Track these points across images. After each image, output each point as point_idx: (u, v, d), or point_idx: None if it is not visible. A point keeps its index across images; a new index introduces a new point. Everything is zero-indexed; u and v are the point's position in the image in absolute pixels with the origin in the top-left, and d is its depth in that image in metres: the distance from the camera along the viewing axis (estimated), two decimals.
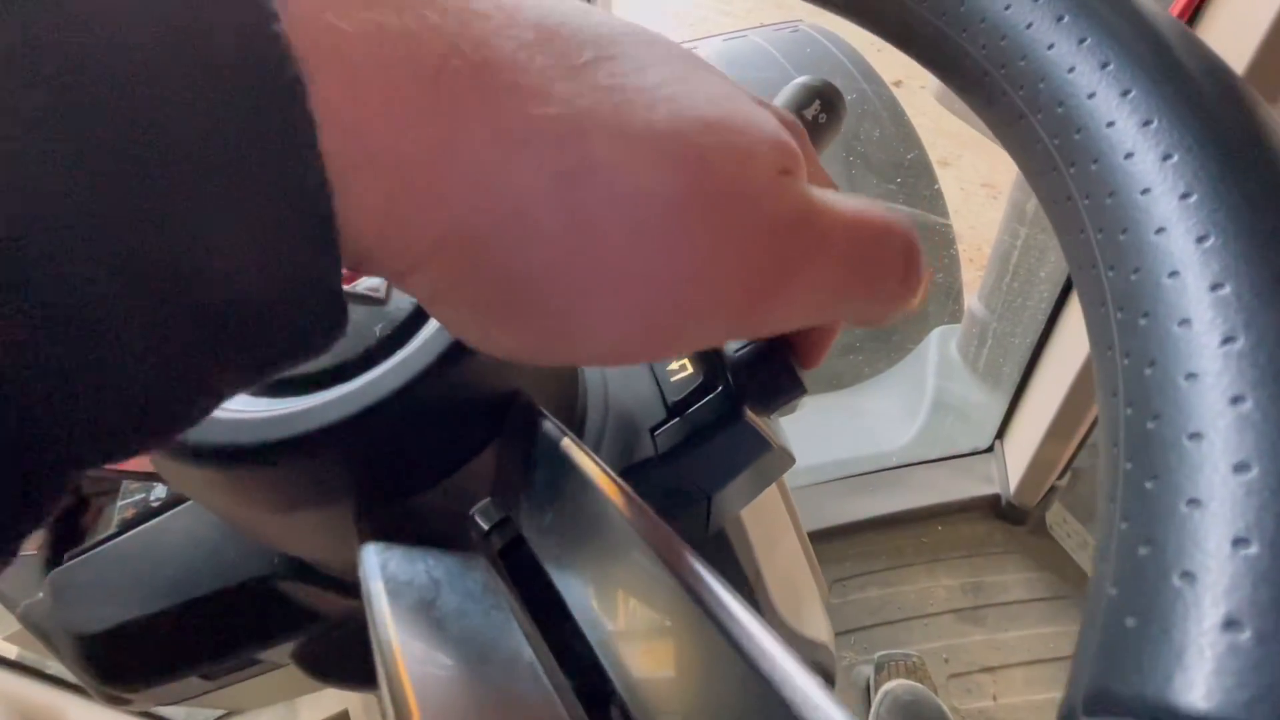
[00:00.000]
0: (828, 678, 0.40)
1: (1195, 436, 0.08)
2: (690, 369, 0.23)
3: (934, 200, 1.58)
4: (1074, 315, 0.87)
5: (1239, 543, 0.07)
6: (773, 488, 0.48)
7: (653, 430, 0.22)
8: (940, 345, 1.46)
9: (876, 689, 0.88)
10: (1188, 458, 0.08)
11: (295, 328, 0.10)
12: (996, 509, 1.09)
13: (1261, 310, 0.09)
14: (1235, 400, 0.08)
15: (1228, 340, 0.09)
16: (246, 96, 0.08)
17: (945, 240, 1.58)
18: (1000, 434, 1.12)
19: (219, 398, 0.10)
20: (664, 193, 0.11)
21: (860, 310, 0.15)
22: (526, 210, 0.10)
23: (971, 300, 1.36)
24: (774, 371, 0.23)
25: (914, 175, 1.53)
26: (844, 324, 0.19)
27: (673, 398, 0.22)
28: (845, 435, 1.29)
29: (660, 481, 0.22)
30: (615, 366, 0.25)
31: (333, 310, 0.10)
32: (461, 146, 0.09)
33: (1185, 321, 0.09)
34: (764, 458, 0.23)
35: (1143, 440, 0.09)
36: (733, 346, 0.24)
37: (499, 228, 0.10)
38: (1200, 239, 0.10)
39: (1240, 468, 0.08)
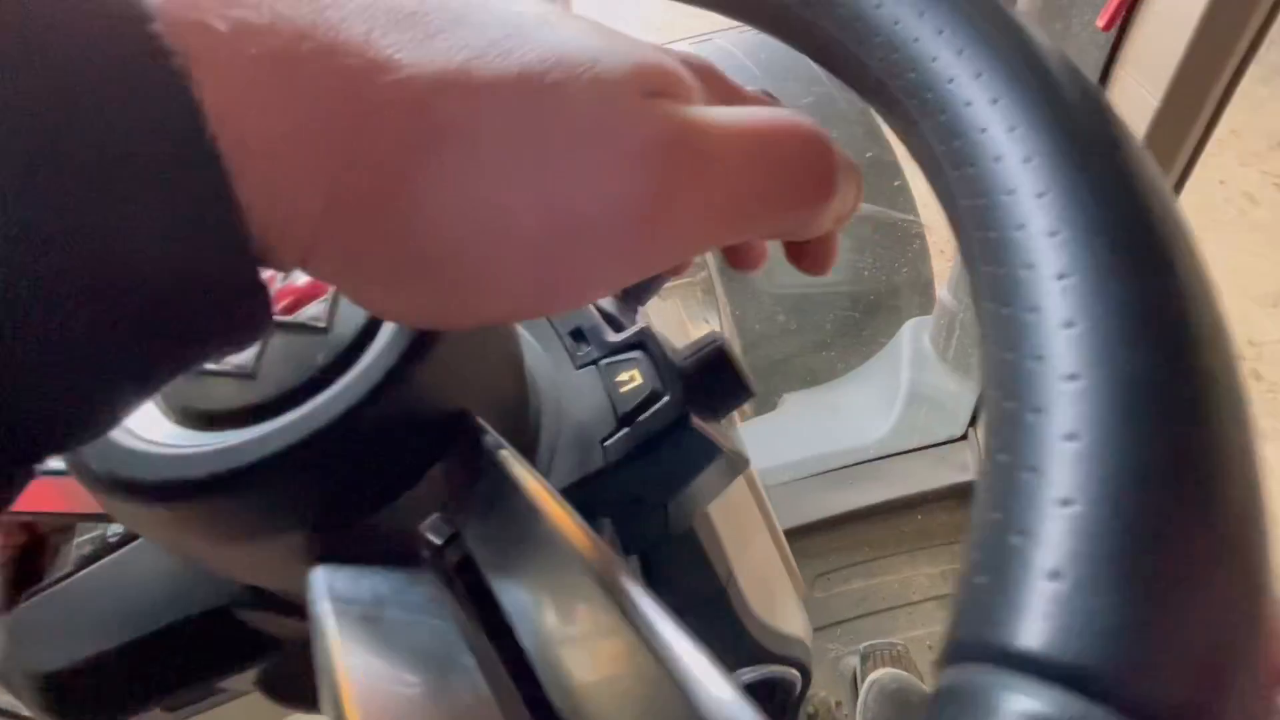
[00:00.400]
0: (804, 673, 0.41)
1: (1036, 410, 0.09)
2: (639, 379, 0.24)
3: (897, 195, 1.61)
4: None
5: (1065, 503, 0.08)
6: (744, 486, 0.49)
7: (602, 441, 0.22)
8: (913, 337, 1.49)
9: (863, 679, 0.89)
10: (1030, 431, 0.09)
11: (217, 312, 0.10)
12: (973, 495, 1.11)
13: (1096, 299, 0.09)
14: (1070, 377, 0.09)
15: (1068, 325, 0.09)
16: (137, 95, 0.08)
17: (911, 235, 1.61)
18: (973, 421, 1.14)
19: (148, 383, 0.10)
20: (519, 137, 0.11)
21: (785, 221, 0.15)
22: (395, 176, 0.11)
23: (941, 291, 1.39)
24: (720, 378, 0.24)
25: (877, 173, 1.56)
26: (780, 236, 0.18)
27: (622, 408, 0.23)
28: (823, 431, 1.31)
29: (615, 490, 0.23)
30: (525, 319, 0.25)
31: (252, 293, 0.11)
32: (321, 124, 0.10)
33: (1034, 309, 0.10)
34: (715, 462, 0.24)
35: (1000, 420, 0.10)
36: (681, 355, 0.25)
37: (374, 197, 0.11)
38: (1051, 234, 0.10)
39: (1069, 437, 0.08)
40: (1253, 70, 0.63)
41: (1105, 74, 0.68)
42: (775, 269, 1.62)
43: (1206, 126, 0.64)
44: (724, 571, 0.40)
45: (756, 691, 0.38)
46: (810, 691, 0.83)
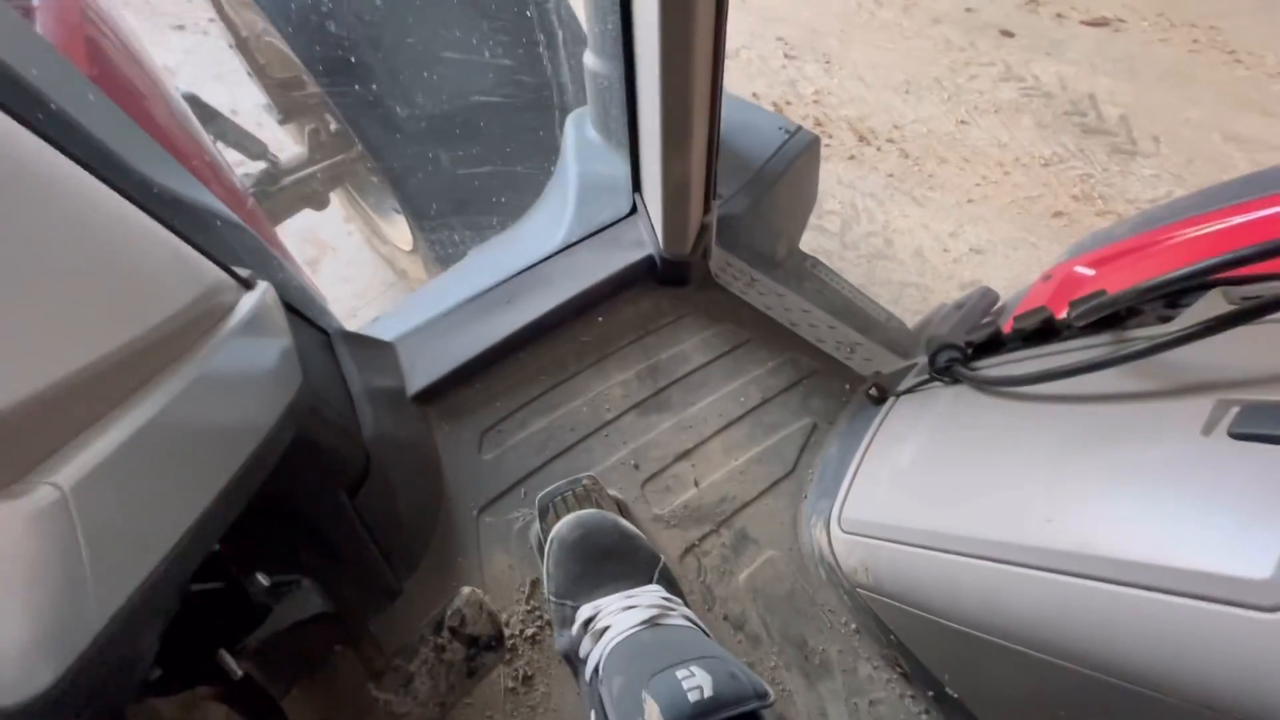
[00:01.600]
0: None
1: None
2: None
3: None
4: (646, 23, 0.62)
5: None
6: None
7: None
8: (576, 130, 1.21)
9: (547, 540, 0.61)
10: None
11: None
12: (655, 274, 0.88)
13: None
14: None
15: None
16: None
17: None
18: (636, 186, 0.89)
19: None
20: None
21: None
22: None
23: (585, 57, 1.11)
24: None
25: None
26: None
27: None
28: (500, 263, 0.96)
29: None
30: None
31: None
32: None
33: None
34: None
35: None
36: None
37: None
38: None
39: None
40: None
41: None
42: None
43: None
44: None
45: None
46: (470, 593, 0.52)
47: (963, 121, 2.31)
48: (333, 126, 1.74)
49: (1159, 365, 0.46)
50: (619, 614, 0.52)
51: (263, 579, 0.42)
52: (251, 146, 1.60)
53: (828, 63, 2.59)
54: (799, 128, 1.10)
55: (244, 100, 2.28)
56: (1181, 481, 0.39)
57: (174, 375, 0.34)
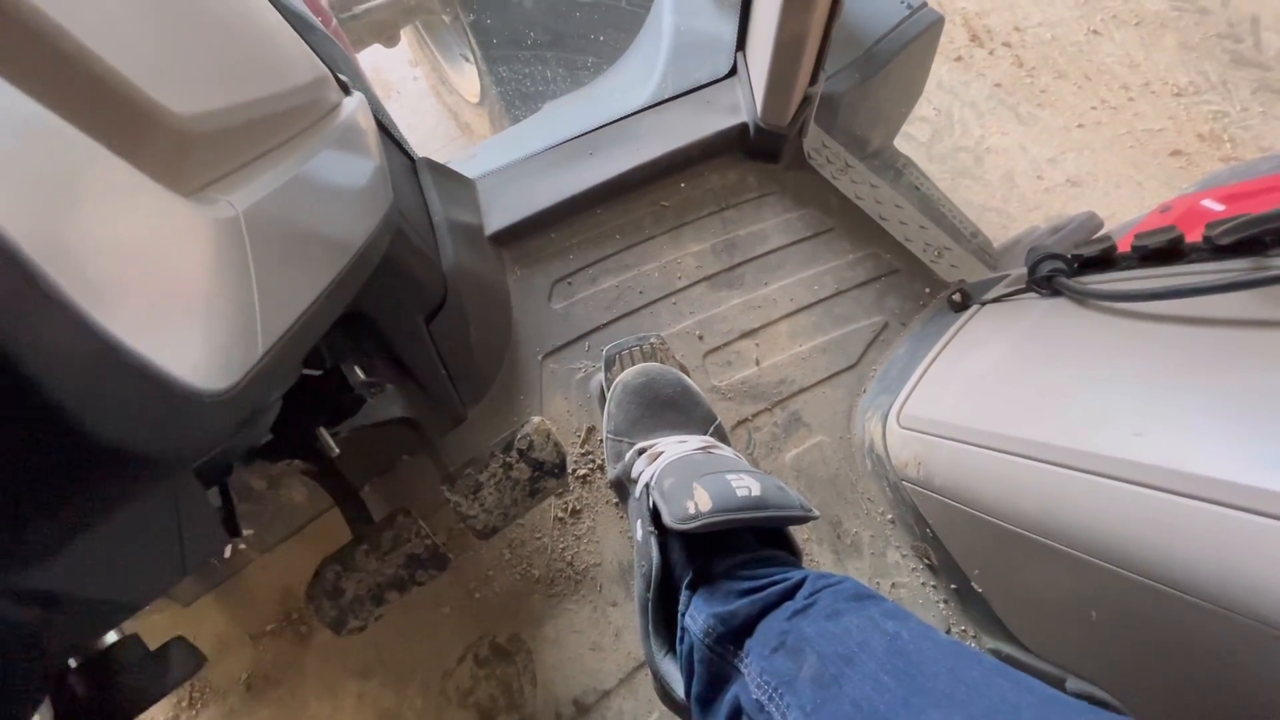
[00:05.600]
0: None
1: None
2: None
3: None
4: None
5: None
6: None
7: None
8: None
9: (609, 388, 0.63)
10: None
11: None
12: (746, 144, 0.83)
13: None
14: None
15: None
16: None
17: None
18: (740, 45, 0.82)
19: None
20: None
21: None
22: None
23: None
24: None
25: None
26: None
27: None
28: (577, 120, 0.92)
29: None
30: None
31: None
32: None
33: None
34: None
35: None
36: None
37: None
38: None
39: None
40: None
41: None
42: None
43: None
44: None
45: None
46: (540, 422, 0.54)
47: (1095, 31, 2.04)
48: None
49: None
50: (674, 444, 0.54)
51: (359, 372, 0.44)
52: None
53: None
54: (924, 3, 0.99)
55: None
56: None
57: (304, 145, 0.33)
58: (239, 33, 0.30)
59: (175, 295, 0.17)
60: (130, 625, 0.39)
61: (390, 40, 1.72)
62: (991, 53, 2.02)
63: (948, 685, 0.32)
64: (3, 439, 0.14)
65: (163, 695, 0.27)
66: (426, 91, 2.10)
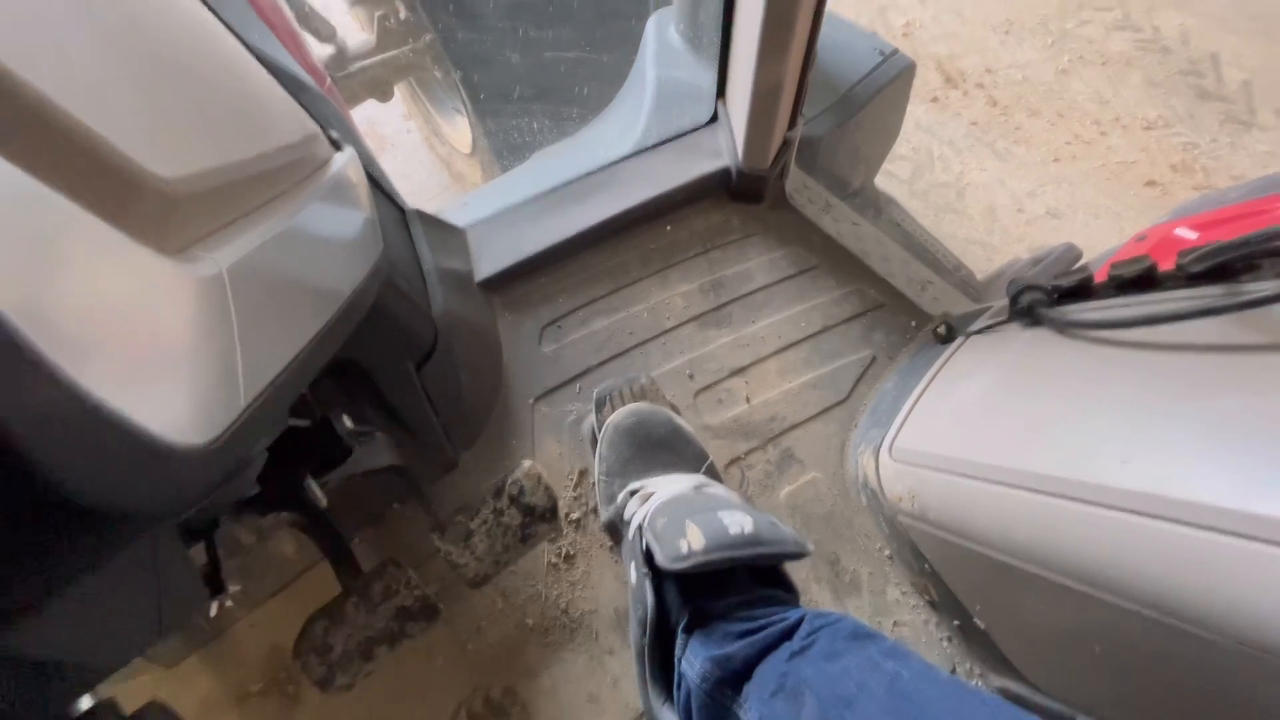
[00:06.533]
0: None
1: None
2: None
3: None
4: None
5: None
6: None
7: None
8: (657, 33, 1.15)
9: (600, 430, 0.63)
10: None
11: None
12: (729, 187, 0.85)
13: None
14: None
15: None
16: None
17: None
18: (720, 93, 0.85)
19: None
20: None
21: None
22: None
23: None
24: None
25: None
26: None
27: None
28: (568, 165, 0.95)
29: None
30: None
31: None
32: None
33: None
34: None
35: None
36: None
37: None
38: None
39: None
40: None
41: None
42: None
43: None
44: None
45: None
46: (531, 466, 0.54)
47: (1063, 71, 2.13)
48: (402, 14, 1.69)
49: (1269, 318, 0.43)
50: (665, 485, 0.54)
51: (348, 421, 0.44)
52: (322, 28, 1.58)
53: None
54: (895, 50, 1.03)
55: None
56: None
57: (292, 201, 0.34)
58: (227, 94, 0.31)
59: (154, 353, 0.18)
60: (109, 689, 0.38)
61: (384, 95, 1.78)
62: (966, 94, 2.09)
63: None
64: None
65: None
66: (420, 143, 2.16)
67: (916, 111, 2.04)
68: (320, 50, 1.62)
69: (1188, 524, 0.38)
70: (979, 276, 1.09)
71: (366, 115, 2.20)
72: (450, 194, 2.05)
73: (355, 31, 1.77)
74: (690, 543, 0.41)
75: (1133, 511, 0.41)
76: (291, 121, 0.41)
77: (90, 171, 0.18)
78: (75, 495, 0.15)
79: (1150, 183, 1.89)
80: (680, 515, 0.45)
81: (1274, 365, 0.41)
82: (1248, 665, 0.35)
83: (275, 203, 0.34)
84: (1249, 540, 0.35)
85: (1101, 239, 1.81)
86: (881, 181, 1.93)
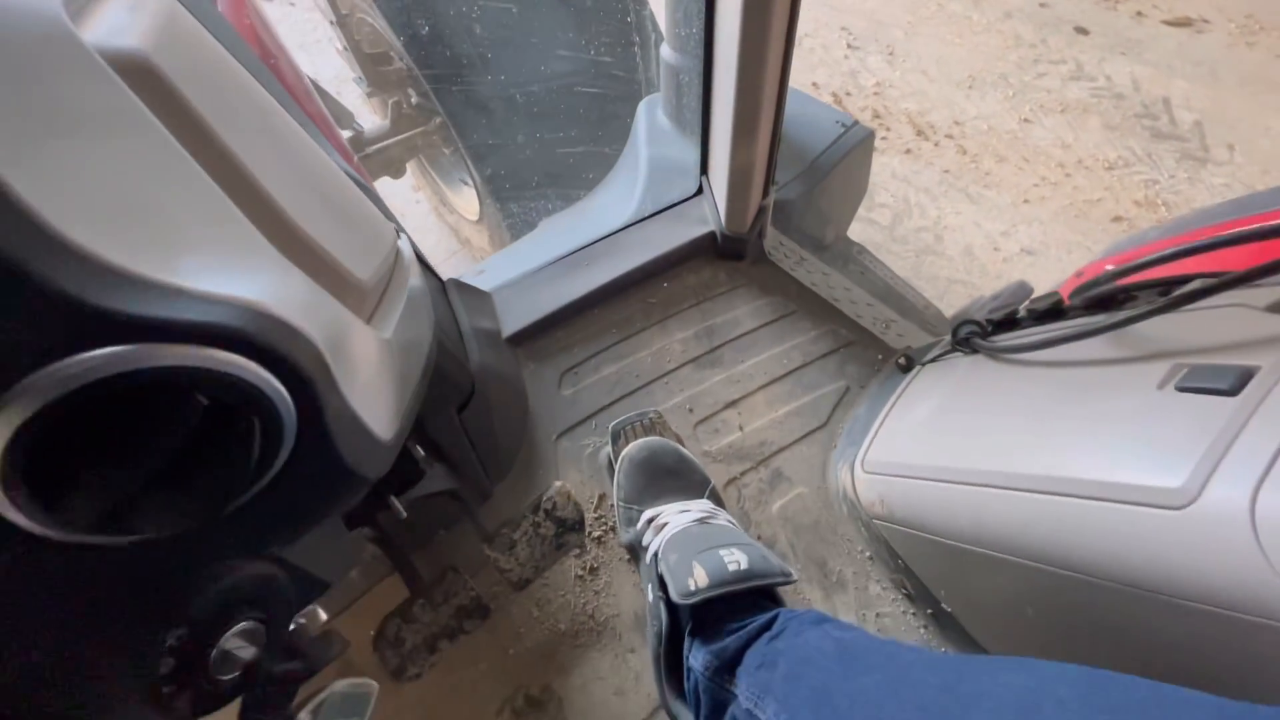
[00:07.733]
0: None
1: None
2: None
3: None
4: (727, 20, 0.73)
5: None
6: None
7: None
8: (648, 115, 1.33)
9: (617, 459, 0.75)
10: None
11: None
12: (716, 248, 1.00)
13: None
14: None
15: None
16: None
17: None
18: (704, 169, 1.01)
19: None
20: None
21: None
22: None
23: (663, 50, 1.22)
24: None
25: None
26: None
27: None
28: (573, 233, 1.10)
29: None
30: None
31: None
32: None
33: None
34: None
35: None
36: None
37: None
38: None
39: None
40: None
41: None
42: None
43: None
44: None
45: None
46: (561, 485, 0.65)
47: (1026, 120, 2.31)
48: (414, 100, 1.89)
49: (1132, 336, 0.56)
50: (676, 515, 0.66)
51: (420, 450, 0.56)
52: (341, 116, 1.78)
53: (891, 54, 2.62)
54: (855, 122, 1.19)
55: (325, 70, 2.47)
56: (1135, 422, 0.49)
57: (399, 285, 0.48)
58: (352, 207, 0.45)
59: (372, 385, 0.31)
60: None
61: (397, 173, 1.96)
62: (936, 144, 2.27)
63: (877, 661, 0.42)
64: (311, 483, 0.26)
65: (326, 665, 0.38)
66: (429, 212, 2.34)
67: (892, 163, 2.21)
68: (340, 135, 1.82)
69: (1072, 495, 0.49)
70: (950, 314, 1.22)
71: (380, 189, 2.40)
72: (459, 258, 2.22)
73: (369, 115, 1.99)
74: (696, 580, 0.54)
75: (1035, 491, 0.52)
76: (385, 225, 0.55)
77: (325, 273, 0.31)
78: (354, 467, 0.27)
79: (1117, 218, 2.03)
80: (688, 554, 0.57)
81: (1132, 372, 0.53)
82: (1123, 600, 0.46)
83: (392, 285, 0.48)
84: (1115, 504, 0.46)
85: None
86: (863, 229, 2.09)
